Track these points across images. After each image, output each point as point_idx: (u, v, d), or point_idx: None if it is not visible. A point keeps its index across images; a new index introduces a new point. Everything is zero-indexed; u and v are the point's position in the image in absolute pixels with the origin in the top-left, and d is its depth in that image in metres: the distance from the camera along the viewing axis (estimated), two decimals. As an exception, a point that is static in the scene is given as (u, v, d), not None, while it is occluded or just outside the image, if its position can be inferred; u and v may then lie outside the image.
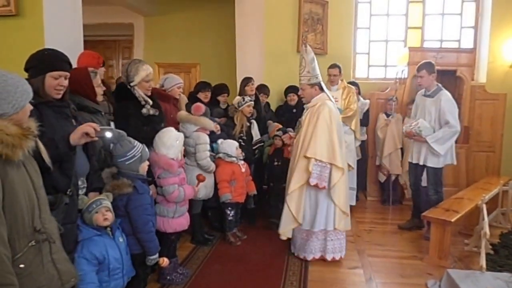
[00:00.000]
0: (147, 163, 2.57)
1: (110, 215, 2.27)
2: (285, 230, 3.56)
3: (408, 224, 4.50)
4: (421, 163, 4.15)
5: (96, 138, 2.05)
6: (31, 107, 1.68)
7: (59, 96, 2.09)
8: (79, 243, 2.18)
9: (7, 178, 1.50)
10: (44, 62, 2.06)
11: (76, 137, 1.96)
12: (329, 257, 3.54)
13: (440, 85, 4.15)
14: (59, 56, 2.12)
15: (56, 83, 2.05)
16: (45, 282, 1.64)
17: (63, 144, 1.93)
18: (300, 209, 3.45)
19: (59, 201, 1.95)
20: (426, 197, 4.24)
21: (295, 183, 3.45)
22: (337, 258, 3.55)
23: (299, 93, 3.73)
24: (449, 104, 4.04)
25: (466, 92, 5.28)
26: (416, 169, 4.28)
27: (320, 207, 3.48)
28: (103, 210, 2.24)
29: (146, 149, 2.56)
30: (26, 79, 1.96)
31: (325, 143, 3.38)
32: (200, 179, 3.38)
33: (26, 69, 2.08)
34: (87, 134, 1.99)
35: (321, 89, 3.59)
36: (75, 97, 2.40)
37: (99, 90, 2.62)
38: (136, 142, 2.52)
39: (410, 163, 4.34)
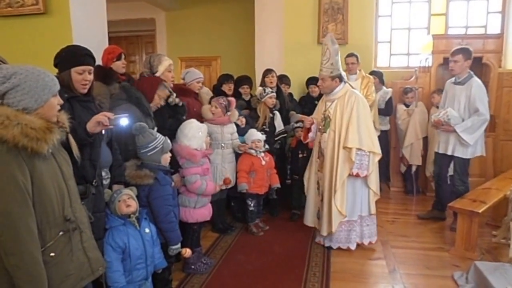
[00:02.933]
0: (169, 154, 2.60)
1: (132, 203, 2.31)
2: (336, 225, 3.47)
3: (428, 214, 4.44)
4: (449, 153, 4.04)
5: (111, 126, 2.08)
6: (61, 101, 1.73)
7: (85, 91, 2.16)
8: (107, 230, 2.26)
9: (36, 171, 1.55)
10: (67, 58, 2.12)
11: (91, 125, 2.01)
12: (366, 242, 3.61)
13: (471, 72, 4.01)
14: (82, 51, 2.17)
15: (81, 78, 2.10)
16: (74, 270, 1.70)
17: (81, 130, 2.00)
18: (343, 202, 3.43)
19: (88, 191, 2.03)
20: (452, 187, 4.16)
21: (341, 178, 3.41)
22: (373, 242, 3.64)
23: (318, 84, 3.67)
24: (480, 92, 3.91)
25: (493, 79, 5.12)
26: (442, 159, 4.18)
27: (358, 195, 3.52)
28: (124, 198, 2.28)
29: (168, 141, 2.60)
30: (56, 74, 2.03)
31: (364, 131, 3.40)
32: (226, 182, 3.48)
33: (55, 65, 2.15)
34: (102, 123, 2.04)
35: (341, 81, 3.56)
36: None
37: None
38: (158, 133, 2.57)
39: (436, 153, 4.24)
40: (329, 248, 3.61)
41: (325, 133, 3.56)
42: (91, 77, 2.16)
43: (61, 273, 1.65)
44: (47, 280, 1.57)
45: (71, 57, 2.13)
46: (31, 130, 1.52)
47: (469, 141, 3.90)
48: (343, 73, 3.61)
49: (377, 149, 3.48)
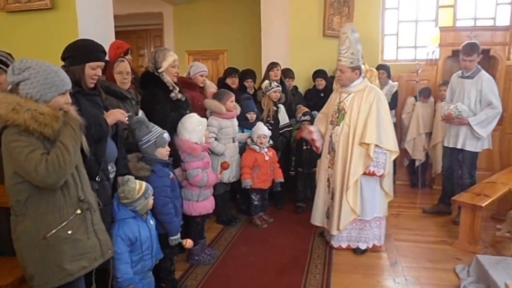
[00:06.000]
0: (166, 148, 2.61)
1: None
2: (345, 223, 3.34)
3: (434, 208, 4.42)
4: (458, 146, 4.03)
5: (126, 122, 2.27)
6: (69, 101, 1.79)
7: (93, 86, 2.20)
8: (115, 222, 2.29)
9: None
10: (84, 52, 2.12)
11: (111, 121, 2.17)
12: (382, 242, 3.51)
13: (479, 66, 4.01)
14: (98, 47, 2.19)
15: (93, 73, 2.14)
16: (89, 249, 1.82)
17: (105, 125, 2.12)
18: (356, 200, 3.29)
19: (91, 187, 2.03)
20: (459, 180, 4.15)
21: (354, 175, 3.25)
22: (380, 244, 3.50)
23: (336, 76, 3.44)
24: (491, 84, 3.91)
25: (501, 72, 5.06)
26: (452, 154, 4.17)
27: (374, 194, 3.37)
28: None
29: (165, 135, 2.60)
30: (62, 66, 2.05)
31: (383, 128, 3.24)
32: (224, 166, 3.48)
33: (63, 58, 2.14)
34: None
35: (360, 73, 3.36)
36: (105, 81, 2.50)
37: (120, 77, 2.69)
38: (154, 127, 2.58)
39: (445, 147, 4.22)
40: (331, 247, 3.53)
41: (338, 126, 3.38)
42: (100, 72, 2.21)
43: (78, 250, 1.77)
44: (64, 252, 1.72)
45: (88, 51, 2.13)
46: (40, 115, 1.63)
47: (483, 134, 3.89)
48: (362, 67, 3.41)
49: (395, 147, 3.34)
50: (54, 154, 1.65)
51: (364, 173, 3.26)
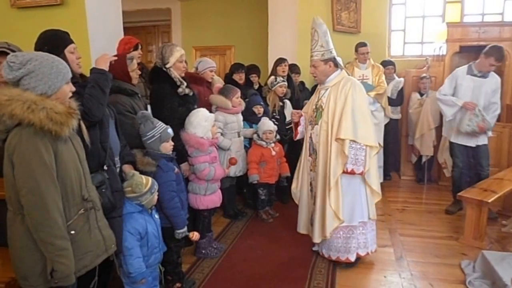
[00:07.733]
0: (170, 143, 2.63)
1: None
2: (330, 230, 3.00)
3: (456, 206, 4.31)
4: (474, 145, 4.08)
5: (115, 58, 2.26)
6: (73, 89, 1.79)
7: (81, 69, 2.20)
8: (122, 216, 2.28)
9: (59, 153, 1.66)
10: (56, 41, 2.11)
11: (103, 65, 2.16)
12: (373, 249, 3.22)
13: None
14: (63, 32, 2.19)
15: (74, 57, 2.15)
16: (92, 248, 1.81)
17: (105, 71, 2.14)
18: (339, 204, 2.95)
19: (104, 178, 2.06)
20: (481, 174, 4.14)
21: (334, 175, 2.94)
22: (374, 250, 3.22)
23: (310, 71, 3.24)
24: (500, 85, 4.03)
25: (509, 68, 5.01)
26: (466, 150, 4.18)
27: (357, 196, 3.05)
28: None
29: (169, 130, 2.61)
30: None
31: (359, 121, 2.92)
32: (232, 162, 3.50)
33: None
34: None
35: (336, 66, 3.10)
36: (113, 81, 2.54)
37: (134, 74, 2.72)
38: (158, 123, 2.60)
39: (459, 145, 4.18)
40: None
41: (317, 125, 3.11)
42: (79, 54, 2.20)
43: (81, 250, 1.75)
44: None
45: (60, 39, 2.13)
46: (55, 114, 1.60)
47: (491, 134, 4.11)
48: (339, 59, 3.14)
49: (373, 142, 2.98)
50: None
51: (344, 172, 2.94)
